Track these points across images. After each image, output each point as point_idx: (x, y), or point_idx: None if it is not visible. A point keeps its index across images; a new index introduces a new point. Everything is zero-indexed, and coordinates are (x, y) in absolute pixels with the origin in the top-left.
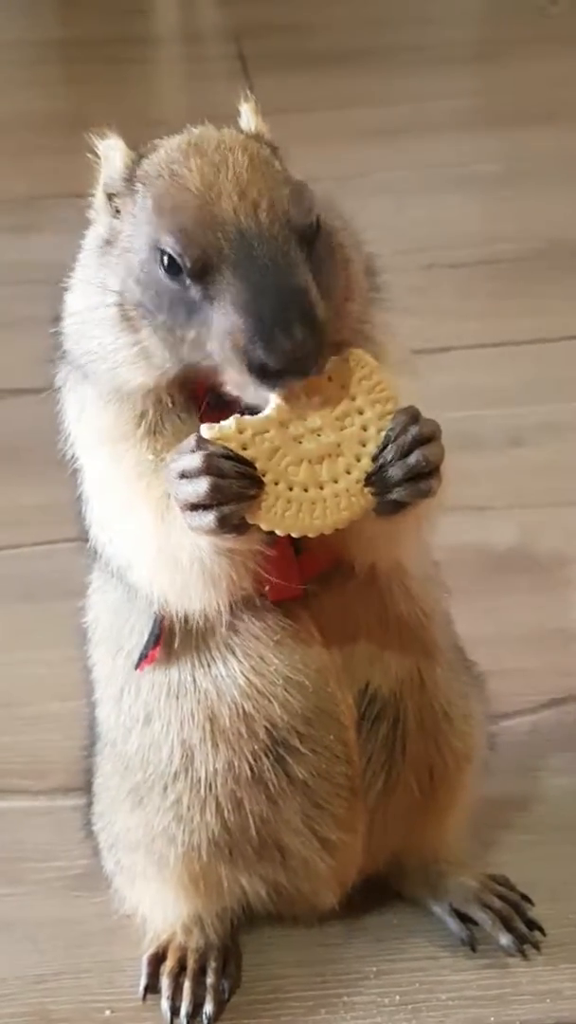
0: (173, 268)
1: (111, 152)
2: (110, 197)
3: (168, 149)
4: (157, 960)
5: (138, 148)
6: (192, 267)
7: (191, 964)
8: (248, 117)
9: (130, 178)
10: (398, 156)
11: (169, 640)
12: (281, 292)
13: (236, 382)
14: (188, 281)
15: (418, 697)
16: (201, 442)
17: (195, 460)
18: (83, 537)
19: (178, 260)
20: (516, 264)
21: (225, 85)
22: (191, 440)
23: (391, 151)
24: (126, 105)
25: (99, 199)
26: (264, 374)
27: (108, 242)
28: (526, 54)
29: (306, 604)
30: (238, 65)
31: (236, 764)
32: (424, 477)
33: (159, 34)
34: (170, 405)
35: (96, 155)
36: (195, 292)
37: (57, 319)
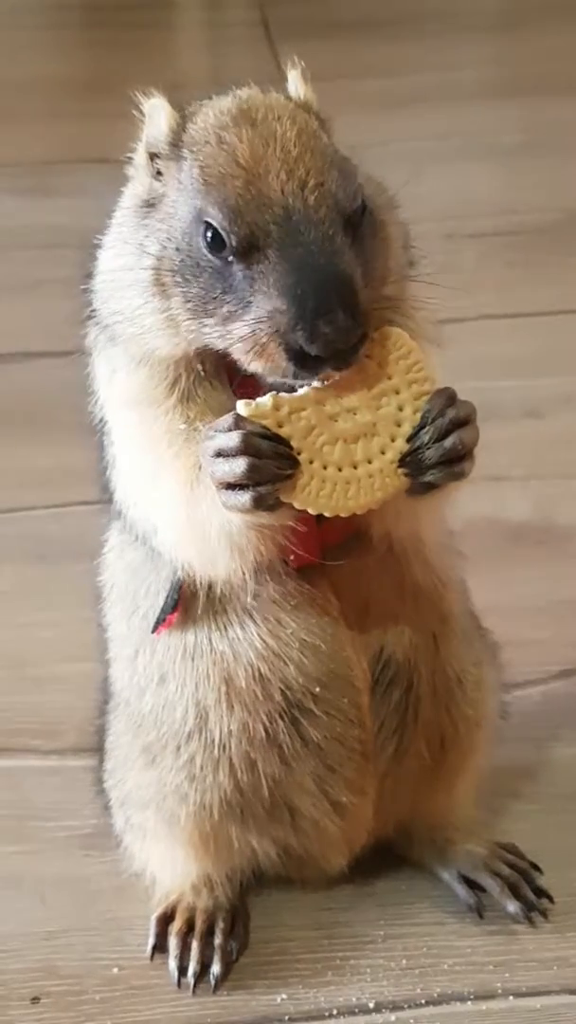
0: (216, 242)
1: (155, 112)
2: (152, 157)
3: (217, 113)
4: (165, 920)
5: (182, 108)
6: (238, 245)
7: (199, 924)
8: (296, 84)
9: (176, 142)
10: (419, 125)
11: (187, 605)
12: (326, 279)
13: (259, 367)
14: (231, 258)
15: (432, 663)
16: (238, 420)
17: (233, 439)
18: (102, 499)
19: (223, 236)
20: (537, 235)
21: (247, 51)
22: (228, 418)
23: (412, 120)
24: (147, 70)
25: (140, 157)
26: (302, 361)
27: (149, 203)
28: (549, 24)
29: (324, 570)
30: (261, 31)
31: (251, 725)
32: (458, 460)
33: None
34: (202, 373)
35: (139, 113)
36: (236, 269)
37: (88, 276)
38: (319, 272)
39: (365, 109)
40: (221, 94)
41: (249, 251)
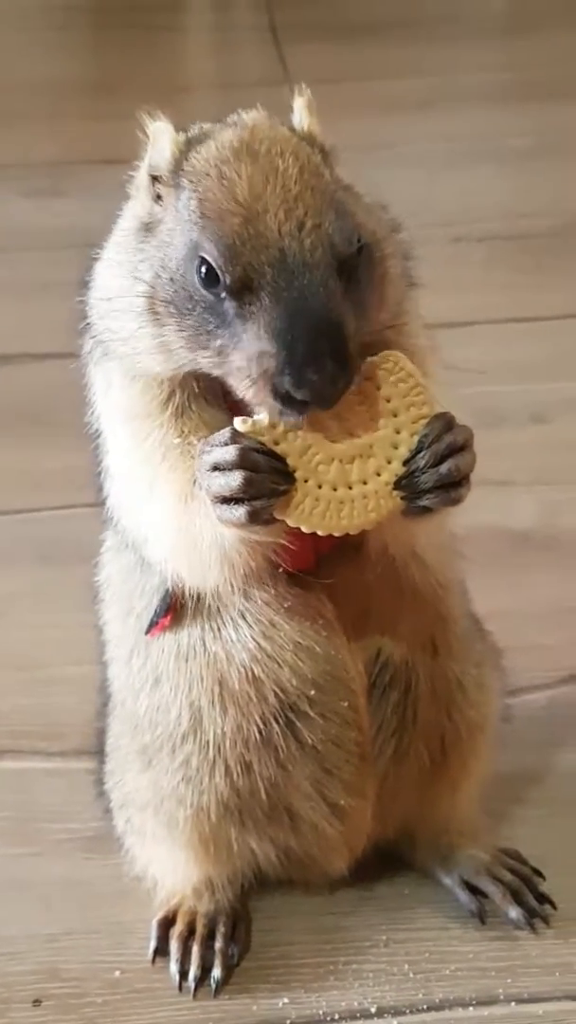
0: (210, 278)
1: (159, 135)
2: (154, 180)
3: (219, 144)
4: (167, 923)
5: (186, 131)
6: (232, 284)
7: (200, 928)
8: (301, 115)
9: (177, 169)
10: (427, 128)
11: (180, 608)
12: (317, 326)
13: (251, 399)
14: (223, 295)
15: (431, 665)
16: (235, 435)
17: (229, 453)
18: (101, 503)
19: (218, 273)
20: (544, 239)
21: (255, 54)
22: (225, 433)
23: (420, 123)
24: (155, 72)
25: (142, 178)
26: (289, 402)
27: (147, 227)
28: (558, 27)
29: (318, 573)
30: (268, 35)
31: (245, 727)
32: (455, 486)
33: (190, 1)
34: (196, 389)
35: (141, 129)
36: (229, 306)
37: (84, 286)
38: (310, 318)
39: (373, 112)
40: (225, 117)
41: (242, 291)
